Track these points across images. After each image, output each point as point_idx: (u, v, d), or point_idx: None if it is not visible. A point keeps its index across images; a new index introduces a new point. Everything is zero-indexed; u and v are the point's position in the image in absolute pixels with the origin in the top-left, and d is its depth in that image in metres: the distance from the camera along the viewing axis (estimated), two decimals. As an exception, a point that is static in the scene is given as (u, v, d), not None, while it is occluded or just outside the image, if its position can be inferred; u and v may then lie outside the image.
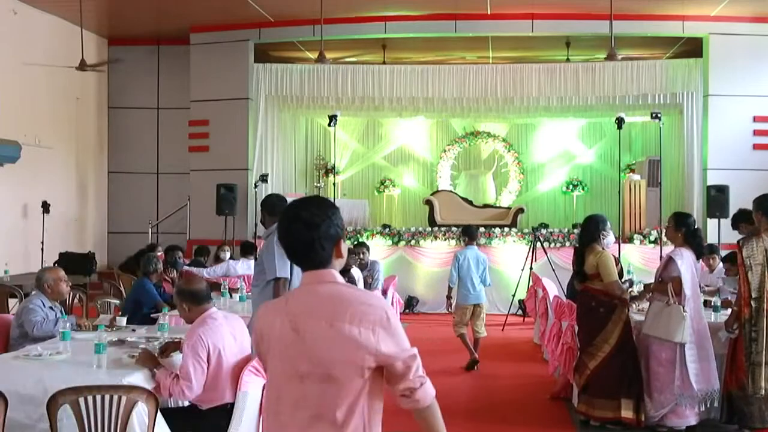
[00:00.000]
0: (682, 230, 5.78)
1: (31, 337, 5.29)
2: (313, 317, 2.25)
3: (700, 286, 6.18)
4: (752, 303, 5.41)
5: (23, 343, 5.19)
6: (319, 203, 2.36)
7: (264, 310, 2.41)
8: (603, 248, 5.88)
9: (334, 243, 2.32)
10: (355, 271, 8.67)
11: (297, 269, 5.28)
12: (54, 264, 10.52)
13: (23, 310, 5.47)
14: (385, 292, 8.71)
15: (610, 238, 6.02)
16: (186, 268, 8.81)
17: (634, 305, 6.10)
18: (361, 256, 9.15)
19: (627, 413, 5.63)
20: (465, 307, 8.20)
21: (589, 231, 5.94)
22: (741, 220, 6.99)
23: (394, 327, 2.24)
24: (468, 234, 8.59)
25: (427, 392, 2.32)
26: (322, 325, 2.23)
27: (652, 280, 6.14)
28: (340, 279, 2.34)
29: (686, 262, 5.58)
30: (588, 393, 5.81)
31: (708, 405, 5.57)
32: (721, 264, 7.64)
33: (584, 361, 5.86)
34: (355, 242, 9.98)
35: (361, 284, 8.53)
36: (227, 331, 4.18)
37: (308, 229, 2.29)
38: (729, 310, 6.13)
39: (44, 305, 5.48)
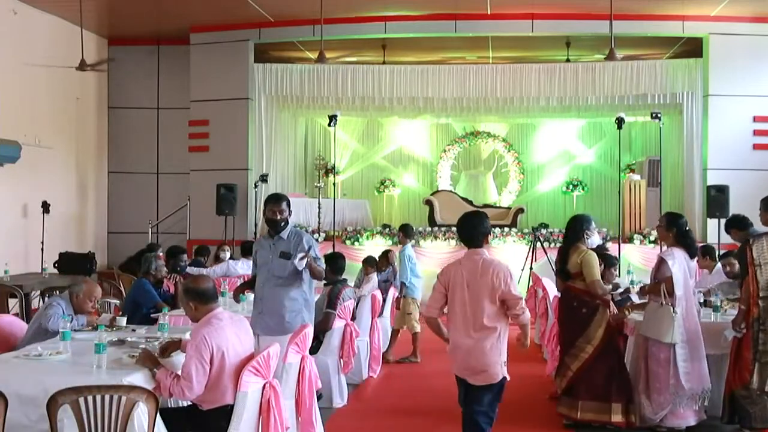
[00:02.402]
0: (673, 230, 5.79)
1: (45, 332, 5.30)
2: (471, 272, 4.45)
3: (700, 291, 6.18)
4: (760, 302, 5.40)
5: (32, 341, 5.22)
6: (478, 215, 4.69)
7: (449, 266, 4.63)
8: (587, 248, 5.89)
9: (484, 236, 4.58)
10: (373, 277, 8.77)
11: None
12: (54, 264, 10.53)
13: (45, 306, 5.56)
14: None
15: (594, 238, 6.04)
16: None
17: (628, 311, 6.08)
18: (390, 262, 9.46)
19: (617, 417, 5.62)
20: (416, 301, 8.58)
21: (575, 230, 5.95)
22: (732, 226, 6.98)
23: (512, 281, 4.42)
24: (406, 231, 9.18)
25: (525, 317, 4.46)
26: (476, 276, 4.43)
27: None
28: (486, 254, 4.52)
29: (678, 262, 5.57)
30: (571, 395, 5.79)
31: (700, 404, 5.57)
32: (718, 264, 7.61)
33: (566, 362, 5.86)
34: (384, 251, 10.06)
35: (372, 284, 8.69)
36: (232, 333, 4.16)
37: (473, 229, 4.57)
38: (726, 310, 6.15)
39: (64, 311, 5.49)
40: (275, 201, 5.54)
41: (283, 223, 5.51)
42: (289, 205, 5.56)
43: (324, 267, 5.59)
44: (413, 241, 9.43)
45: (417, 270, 8.96)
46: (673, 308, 5.44)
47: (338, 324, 6.68)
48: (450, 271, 4.57)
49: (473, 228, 4.53)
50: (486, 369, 4.42)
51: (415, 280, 8.85)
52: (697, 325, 5.63)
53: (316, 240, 12.08)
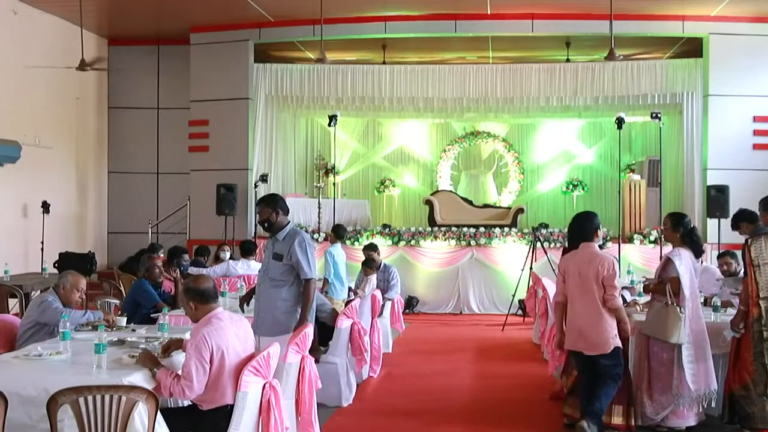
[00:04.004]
0: (680, 231, 5.77)
1: (42, 328, 5.32)
2: (583, 261, 5.38)
3: (700, 291, 6.16)
4: (761, 303, 5.38)
5: (30, 335, 5.24)
6: (588, 215, 5.62)
7: (566, 258, 5.64)
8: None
9: (594, 231, 5.47)
10: (373, 278, 8.75)
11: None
12: (54, 264, 10.54)
13: (38, 303, 5.56)
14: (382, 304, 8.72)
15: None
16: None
17: (636, 309, 6.08)
18: (375, 258, 9.21)
19: (617, 419, 5.61)
20: (337, 303, 8.40)
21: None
22: (742, 219, 6.86)
23: (614, 270, 5.31)
24: (337, 232, 9.24)
25: (617, 301, 5.30)
26: (587, 265, 5.33)
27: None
28: (596, 247, 5.48)
29: (684, 263, 5.55)
30: (575, 395, 5.80)
31: (705, 406, 5.56)
32: (705, 264, 7.57)
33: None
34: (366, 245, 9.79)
35: (371, 285, 8.69)
36: (232, 333, 4.16)
37: (583, 226, 5.52)
38: (727, 310, 6.13)
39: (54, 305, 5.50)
40: (257, 204, 5.62)
41: (266, 224, 5.50)
42: (272, 205, 5.49)
43: (312, 276, 5.41)
44: (341, 243, 9.30)
45: (341, 273, 8.75)
46: (680, 308, 5.43)
47: (345, 323, 6.69)
48: (565, 261, 5.60)
49: (583, 225, 5.50)
50: (599, 341, 5.27)
51: (338, 282, 8.70)
52: (702, 325, 5.59)
53: (316, 240, 12.15)
